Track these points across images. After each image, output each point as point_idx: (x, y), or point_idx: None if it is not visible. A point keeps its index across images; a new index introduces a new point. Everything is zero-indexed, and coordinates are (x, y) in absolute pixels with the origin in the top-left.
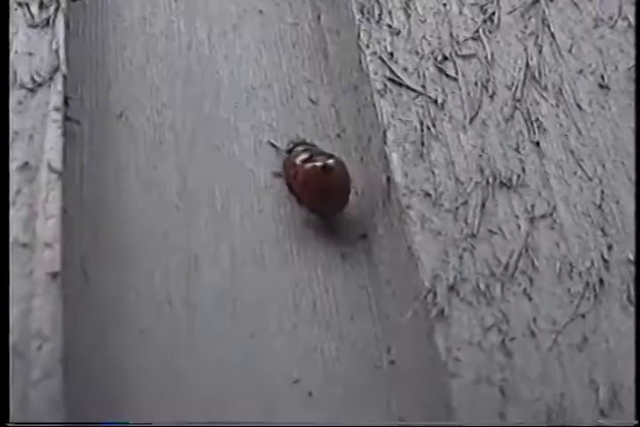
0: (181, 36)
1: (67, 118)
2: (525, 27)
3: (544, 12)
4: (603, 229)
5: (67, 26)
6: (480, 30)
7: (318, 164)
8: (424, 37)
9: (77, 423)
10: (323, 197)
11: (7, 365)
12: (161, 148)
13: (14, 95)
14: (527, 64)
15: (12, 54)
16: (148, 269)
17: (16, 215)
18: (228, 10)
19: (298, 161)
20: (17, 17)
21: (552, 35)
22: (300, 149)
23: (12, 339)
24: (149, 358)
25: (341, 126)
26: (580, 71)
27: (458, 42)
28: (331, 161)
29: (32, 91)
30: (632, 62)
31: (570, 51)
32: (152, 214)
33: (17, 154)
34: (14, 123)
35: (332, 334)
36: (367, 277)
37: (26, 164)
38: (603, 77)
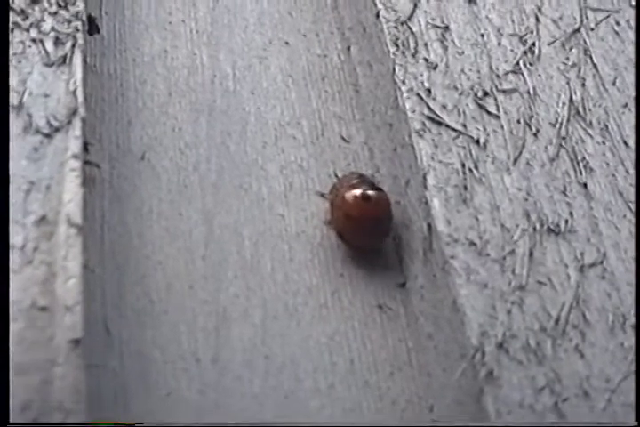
0: (204, 69)
1: (86, 162)
2: (567, 58)
3: (585, 41)
4: None
5: (84, 62)
6: (520, 62)
7: (358, 191)
8: (462, 71)
9: (76, 424)
10: (353, 224)
11: (7, 363)
12: (185, 192)
13: (29, 141)
14: (571, 98)
15: (26, 96)
16: (173, 324)
17: (34, 275)
18: (254, 41)
19: (345, 185)
20: (31, 55)
21: (595, 66)
22: (354, 175)
23: (32, 412)
24: (177, 422)
25: (375, 166)
26: (625, 105)
27: (498, 75)
28: (372, 192)
29: (48, 136)
30: None
31: (614, 83)
32: (177, 265)
33: (33, 207)
34: (29, 172)
35: (371, 393)
36: (406, 330)
37: (43, 218)
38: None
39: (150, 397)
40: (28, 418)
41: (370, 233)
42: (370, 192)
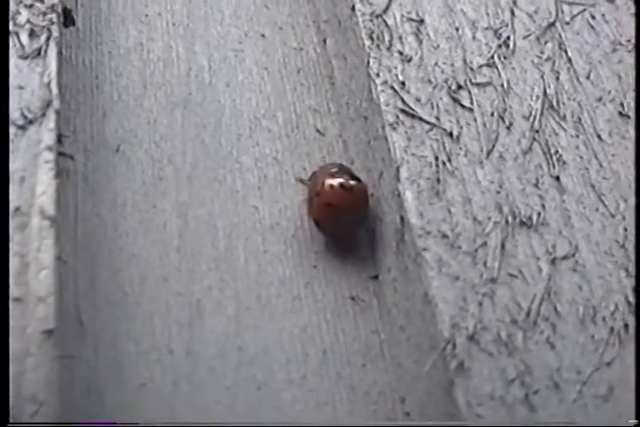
0: (180, 62)
1: (60, 153)
2: (542, 52)
3: (560, 35)
4: (627, 270)
5: (59, 54)
6: (495, 56)
7: (339, 180)
8: (437, 64)
9: (74, 423)
10: (331, 212)
11: (7, 363)
12: (160, 184)
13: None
14: (545, 92)
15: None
16: (147, 316)
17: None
18: (229, 34)
19: (325, 173)
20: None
21: (569, 60)
22: (334, 165)
23: None
24: (151, 413)
25: (349, 159)
26: (600, 99)
27: (472, 69)
28: (353, 181)
29: (22, 128)
30: None
31: (588, 77)
32: (151, 257)
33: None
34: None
35: (344, 385)
36: (379, 322)
37: (17, 209)
38: (622, 105)
39: (123, 388)
40: None
41: (346, 222)
42: (351, 182)
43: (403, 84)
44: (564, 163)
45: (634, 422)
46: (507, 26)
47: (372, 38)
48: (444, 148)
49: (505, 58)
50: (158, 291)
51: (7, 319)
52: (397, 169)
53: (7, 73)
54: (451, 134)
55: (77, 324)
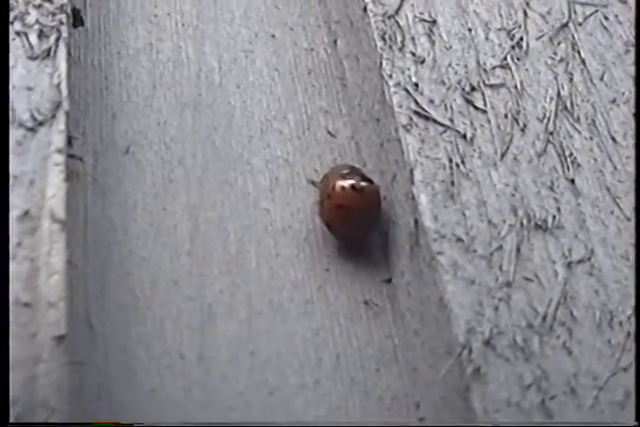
0: (190, 63)
1: (69, 155)
2: (555, 53)
3: (573, 36)
4: None
5: (68, 55)
6: (508, 57)
7: (350, 181)
8: (450, 66)
9: (76, 424)
10: (342, 214)
11: (7, 360)
12: (170, 186)
13: (12, 135)
14: (558, 93)
15: (9, 89)
16: (158, 321)
17: (17, 271)
18: (240, 34)
19: (336, 175)
20: (15, 48)
21: (583, 61)
22: (345, 166)
23: (16, 409)
24: (162, 419)
25: (362, 161)
26: (613, 100)
27: (485, 70)
28: (363, 183)
29: (32, 130)
30: None
31: (601, 78)
32: (162, 261)
33: (16, 201)
34: (12, 166)
35: (357, 390)
36: (392, 326)
37: (26, 213)
38: (637, 106)
39: (134, 394)
40: (12, 415)
41: (358, 224)
42: (362, 183)
43: (416, 85)
44: (579, 165)
45: (634, 423)
46: (519, 27)
47: (384, 39)
48: (458, 150)
49: (518, 59)
50: (169, 295)
51: (7, 319)
52: (411, 171)
53: (7, 73)
54: (464, 136)
55: (88, 328)
